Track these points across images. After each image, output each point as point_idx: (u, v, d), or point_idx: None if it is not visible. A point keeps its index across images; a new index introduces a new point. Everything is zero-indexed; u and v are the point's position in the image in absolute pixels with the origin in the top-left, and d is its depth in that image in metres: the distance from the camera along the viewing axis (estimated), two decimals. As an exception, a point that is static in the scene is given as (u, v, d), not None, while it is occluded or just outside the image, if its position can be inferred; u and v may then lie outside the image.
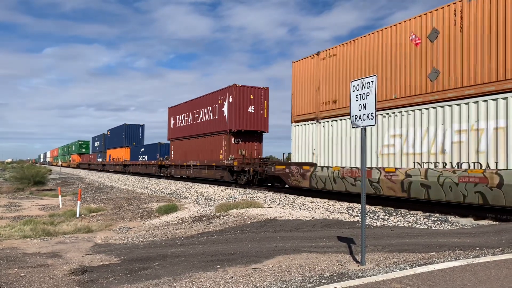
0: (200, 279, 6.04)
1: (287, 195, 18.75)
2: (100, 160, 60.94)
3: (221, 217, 13.47)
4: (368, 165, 15.06)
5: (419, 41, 13.70)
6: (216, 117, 27.25)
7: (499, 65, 11.43)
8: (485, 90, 11.70)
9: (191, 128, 31.26)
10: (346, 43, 16.82)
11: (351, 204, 14.76)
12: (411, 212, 12.71)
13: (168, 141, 36.26)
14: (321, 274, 5.87)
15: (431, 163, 13.01)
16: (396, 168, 13.89)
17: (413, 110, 13.76)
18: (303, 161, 18.80)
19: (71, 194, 25.53)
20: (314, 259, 6.86)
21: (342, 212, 13.35)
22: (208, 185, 26.62)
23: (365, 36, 15.90)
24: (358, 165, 15.56)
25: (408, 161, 13.72)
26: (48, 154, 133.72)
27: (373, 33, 15.53)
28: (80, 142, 78.11)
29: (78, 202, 16.20)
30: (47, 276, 6.97)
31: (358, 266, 6.25)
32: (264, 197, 18.06)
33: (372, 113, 6.13)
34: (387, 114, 14.66)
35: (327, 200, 16.40)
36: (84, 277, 6.86)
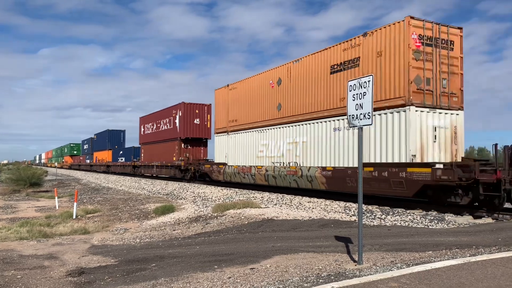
0: (198, 279, 6.03)
1: (284, 195, 18.77)
2: (88, 161, 67.00)
3: (218, 217, 13.46)
4: (251, 164, 22.38)
5: (273, 85, 20.95)
6: (171, 127, 33.55)
7: (311, 102, 17.96)
8: (305, 117, 18.31)
9: (154, 135, 37.78)
10: (241, 81, 24.07)
11: (348, 204, 14.78)
12: (408, 211, 12.74)
13: (140, 146, 42.79)
14: (318, 273, 5.87)
15: (277, 162, 20.11)
16: (262, 166, 21.22)
17: (269, 129, 21.09)
18: (221, 161, 25.90)
19: (67, 195, 25.44)
20: (311, 258, 6.87)
21: (339, 212, 13.36)
22: (205, 186, 26.66)
23: (250, 78, 23.23)
24: (247, 164, 22.82)
25: (268, 162, 20.91)
26: (43, 156, 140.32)
27: (253, 76, 22.84)
28: (71, 145, 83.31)
29: (75, 203, 16.15)
30: (43, 278, 6.94)
31: (356, 265, 6.25)
32: (261, 197, 18.06)
33: (369, 112, 6.14)
34: (259, 131, 22.04)
35: (324, 199, 16.42)
36: (81, 278, 6.83)
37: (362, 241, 6.33)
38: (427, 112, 13.60)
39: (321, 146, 17.15)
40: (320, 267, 6.26)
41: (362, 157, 6.45)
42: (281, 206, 15.39)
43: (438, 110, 13.82)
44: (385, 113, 14.09)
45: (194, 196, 20.65)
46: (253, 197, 18.48)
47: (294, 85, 19.01)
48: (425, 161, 13.32)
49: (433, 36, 13.83)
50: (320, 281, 5.41)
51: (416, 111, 13.32)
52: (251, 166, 22.06)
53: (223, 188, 24.09)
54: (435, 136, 13.75)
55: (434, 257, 6.46)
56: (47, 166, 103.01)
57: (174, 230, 12.17)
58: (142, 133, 41.65)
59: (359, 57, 15.21)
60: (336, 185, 16.00)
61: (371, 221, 11.53)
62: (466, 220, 11.25)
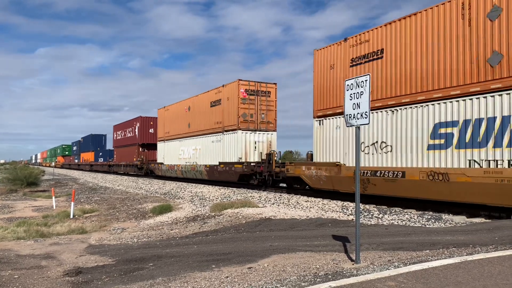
0: (195, 279, 6.03)
1: (282, 194, 18.78)
2: (76, 161, 76.78)
3: (216, 217, 13.46)
4: (175, 163, 32.63)
5: (186, 110, 31.01)
6: (133, 135, 43.36)
7: (202, 123, 29.01)
8: (200, 133, 28.83)
9: (123, 140, 47.14)
10: (171, 105, 34.02)
11: (345, 203, 14.81)
12: (405, 211, 12.77)
13: (113, 148, 52.91)
14: (316, 273, 5.88)
15: (187, 162, 30.07)
16: (180, 164, 31.40)
17: (184, 139, 31.03)
18: (160, 161, 35.97)
19: (64, 195, 25.39)
20: (309, 258, 6.88)
21: (337, 211, 13.39)
22: (202, 185, 26.67)
23: (175, 104, 33.34)
24: (173, 163, 33.02)
25: (183, 162, 30.84)
26: (39, 156, 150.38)
27: (176, 103, 33.10)
28: (63, 146, 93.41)
29: (72, 203, 16.12)
30: (41, 278, 6.93)
31: (353, 264, 6.27)
32: (259, 197, 18.07)
33: (366, 111, 6.14)
34: (179, 140, 31.95)
35: (321, 199, 16.44)
36: (78, 278, 6.83)
37: (360, 240, 6.34)
38: (250, 133, 23.97)
39: (207, 151, 27.51)
40: (318, 266, 6.27)
41: (360, 157, 6.46)
42: (278, 205, 15.40)
43: (257, 132, 24.27)
44: (228, 134, 24.83)
45: (191, 196, 20.64)
46: (250, 196, 18.49)
47: (196, 111, 29.24)
48: (248, 161, 23.50)
49: (255, 89, 24.20)
50: (318, 280, 5.42)
51: (242, 133, 23.76)
52: (174, 164, 32.77)
53: (220, 187, 24.11)
54: (255, 147, 24.11)
55: (431, 256, 6.48)
56: (42, 166, 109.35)
57: (171, 230, 12.17)
58: (115, 138, 51.46)
59: (221, 99, 25.80)
60: (211, 175, 26.65)
61: (368, 220, 11.55)
62: (463, 219, 11.29)
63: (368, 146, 14.90)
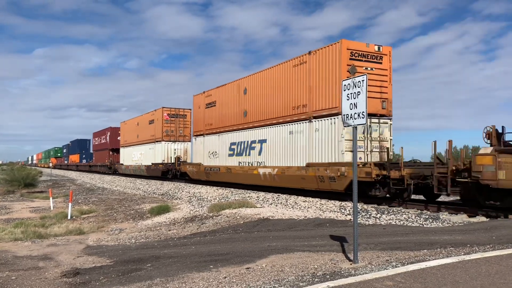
0: (193, 279, 6.03)
1: (279, 194, 18.79)
2: (66, 162, 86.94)
3: (214, 217, 13.46)
4: (132, 164, 41.73)
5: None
6: (105, 141, 54.17)
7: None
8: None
9: (99, 145, 58.63)
10: (131, 119, 44.50)
11: (343, 203, 14.82)
12: (403, 210, 12.79)
13: (92, 152, 64.30)
14: (314, 273, 5.89)
15: (137, 163, 39.68)
16: (132, 165, 41.38)
17: (135, 146, 41.76)
18: (122, 163, 45.81)
19: (62, 196, 25.33)
20: (307, 258, 6.88)
21: (335, 211, 13.40)
22: (200, 186, 26.65)
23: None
24: (129, 164, 42.81)
25: (135, 163, 40.62)
26: (35, 157, 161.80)
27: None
28: (56, 148, 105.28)
29: (70, 204, 16.08)
30: (38, 279, 6.91)
31: (351, 264, 6.27)
32: (257, 197, 18.07)
33: (363, 111, 6.15)
34: (133, 146, 42.17)
35: (319, 199, 16.45)
36: (76, 279, 6.81)
37: (358, 240, 6.35)
38: (170, 143, 34.74)
39: (146, 155, 38.20)
40: (316, 266, 6.28)
41: (357, 156, 6.46)
42: (276, 205, 15.41)
43: (176, 142, 34.93)
44: (157, 143, 35.50)
45: (189, 196, 20.63)
46: (248, 196, 18.48)
47: (141, 126, 40.98)
48: (167, 162, 33.98)
49: (175, 113, 35.14)
50: (316, 280, 5.42)
51: (164, 143, 34.61)
52: (129, 165, 43.29)
53: (218, 188, 24.11)
54: (174, 152, 34.60)
55: (429, 255, 6.49)
56: (38, 166, 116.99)
57: (169, 230, 12.16)
58: (94, 143, 63.00)
59: (154, 119, 36.56)
60: (148, 172, 37.22)
61: (366, 220, 11.56)
62: (460, 218, 11.31)
63: (211, 154, 26.62)
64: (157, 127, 35.45)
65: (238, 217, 12.76)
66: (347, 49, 15.48)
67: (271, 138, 20.09)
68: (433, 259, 6.04)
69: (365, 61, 15.78)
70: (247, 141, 22.29)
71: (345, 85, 6.50)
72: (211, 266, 6.74)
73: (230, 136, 24.12)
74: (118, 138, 49.39)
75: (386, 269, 5.64)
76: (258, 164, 20.95)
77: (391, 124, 16.30)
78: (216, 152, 25.88)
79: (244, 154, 22.53)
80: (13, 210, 18.82)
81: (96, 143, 60.65)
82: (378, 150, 15.97)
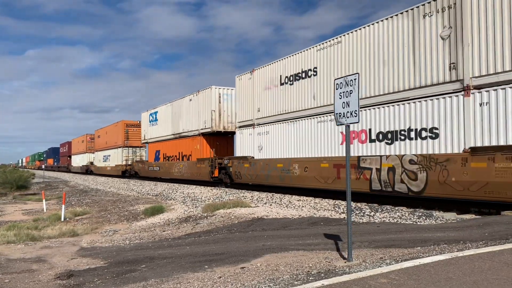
0: (188, 280, 6.02)
1: (273, 194, 18.79)
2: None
3: (208, 217, 13.44)
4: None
5: None
6: (65, 150, 75.48)
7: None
8: None
9: (62, 153, 79.64)
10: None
11: (337, 202, 14.87)
12: (396, 208, 12.86)
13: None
14: (308, 271, 5.90)
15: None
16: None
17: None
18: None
19: (55, 197, 25.16)
20: (301, 256, 6.90)
21: (329, 210, 13.43)
22: (194, 186, 26.60)
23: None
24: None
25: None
26: (24, 160, 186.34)
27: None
28: (39, 153, 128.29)
29: (63, 205, 15.98)
30: (32, 282, 6.87)
31: (345, 262, 6.30)
32: (251, 196, 18.07)
33: (356, 110, 6.18)
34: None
35: (313, 198, 16.49)
36: (70, 281, 6.78)
37: (352, 238, 6.37)
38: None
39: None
40: (310, 265, 6.29)
41: (349, 155, 6.49)
42: (271, 205, 15.42)
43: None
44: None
45: (183, 197, 20.58)
46: (243, 196, 18.47)
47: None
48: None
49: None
50: (311, 278, 5.44)
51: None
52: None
53: (212, 188, 24.14)
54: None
55: (422, 252, 6.53)
56: (26, 168, 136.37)
57: (164, 231, 12.12)
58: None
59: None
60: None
61: (360, 218, 11.61)
62: (453, 215, 11.39)
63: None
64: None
65: (232, 217, 12.76)
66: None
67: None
68: (427, 256, 6.08)
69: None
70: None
71: (337, 83, 6.52)
72: (206, 266, 6.73)
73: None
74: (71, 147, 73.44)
75: (380, 266, 5.67)
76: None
77: (143, 149, 39.16)
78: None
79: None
80: (5, 212, 18.66)
81: (62, 151, 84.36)
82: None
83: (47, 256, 8.97)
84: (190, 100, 29.28)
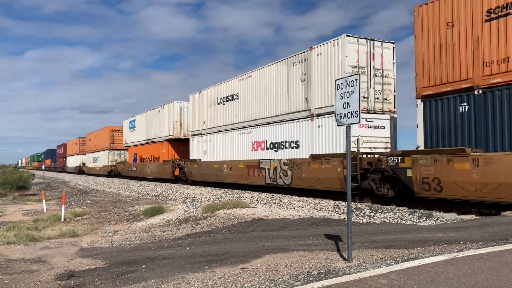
0: (188, 280, 6.02)
1: (273, 194, 18.80)
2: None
3: (208, 218, 13.44)
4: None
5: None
6: (61, 152, 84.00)
7: None
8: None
9: (59, 154, 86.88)
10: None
11: (337, 202, 14.86)
12: (396, 209, 12.85)
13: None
14: (308, 272, 5.90)
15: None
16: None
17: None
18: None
19: (55, 198, 25.16)
20: (301, 257, 6.89)
21: (329, 210, 13.43)
22: (194, 187, 26.60)
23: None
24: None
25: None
26: (23, 161, 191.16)
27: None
28: (38, 154, 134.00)
29: (63, 206, 15.98)
30: (32, 282, 6.86)
31: (345, 263, 6.29)
32: (251, 197, 18.07)
33: (357, 111, 6.18)
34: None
35: (313, 198, 16.49)
36: (70, 282, 6.77)
37: (352, 239, 6.37)
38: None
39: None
40: (310, 266, 6.29)
41: (350, 154, 6.49)
42: (271, 205, 15.42)
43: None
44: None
45: (183, 197, 20.58)
46: (243, 197, 18.47)
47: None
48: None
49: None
50: (311, 279, 5.43)
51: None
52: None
53: (212, 188, 24.13)
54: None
55: (422, 253, 6.53)
56: (25, 169, 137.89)
57: (164, 232, 12.12)
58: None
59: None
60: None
61: (360, 219, 11.60)
62: (453, 216, 11.39)
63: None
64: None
65: (232, 218, 12.76)
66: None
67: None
68: (427, 257, 6.07)
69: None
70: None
71: (338, 84, 6.52)
72: (206, 267, 6.73)
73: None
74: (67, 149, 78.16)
75: (380, 267, 5.67)
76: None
77: (126, 151, 40.54)
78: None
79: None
80: (5, 213, 18.66)
81: (58, 152, 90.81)
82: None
83: (47, 257, 8.97)
84: (159, 111, 34.56)
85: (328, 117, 16.55)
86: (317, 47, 17.35)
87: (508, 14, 11.13)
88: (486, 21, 11.71)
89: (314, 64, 17.38)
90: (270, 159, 19.79)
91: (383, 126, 16.37)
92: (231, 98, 23.99)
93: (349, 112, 6.30)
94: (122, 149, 48.70)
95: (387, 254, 6.70)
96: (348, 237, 6.31)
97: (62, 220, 15.33)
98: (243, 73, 23.37)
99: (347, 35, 15.95)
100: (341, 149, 15.78)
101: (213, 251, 7.96)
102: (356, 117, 6.18)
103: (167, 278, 6.21)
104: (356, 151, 14.86)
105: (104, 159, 50.82)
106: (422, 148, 13.15)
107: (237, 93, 23.32)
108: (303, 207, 14.47)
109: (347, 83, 6.34)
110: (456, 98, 12.38)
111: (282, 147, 19.30)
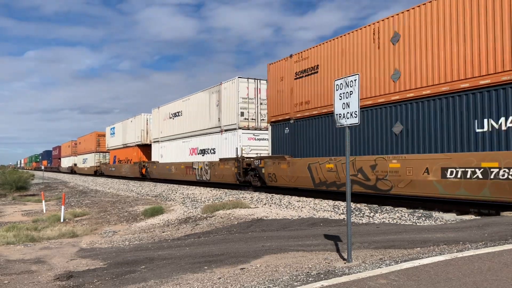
0: (188, 281, 6.02)
1: (273, 195, 18.80)
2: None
3: (208, 218, 13.44)
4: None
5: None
6: (57, 153, 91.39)
7: None
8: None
9: (54, 155, 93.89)
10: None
11: (336, 202, 14.86)
12: (396, 209, 12.86)
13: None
14: (308, 272, 5.90)
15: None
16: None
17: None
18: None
19: (55, 198, 25.15)
20: (301, 257, 6.90)
21: (328, 211, 13.43)
22: (194, 187, 26.61)
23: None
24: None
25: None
26: (22, 161, 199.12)
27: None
28: (36, 155, 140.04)
29: (62, 206, 15.98)
30: (31, 283, 6.86)
31: (345, 263, 6.30)
32: (251, 197, 18.07)
33: (356, 111, 6.17)
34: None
35: (313, 198, 16.49)
36: (69, 282, 6.77)
37: (351, 239, 6.37)
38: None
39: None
40: (310, 266, 6.29)
41: (349, 156, 6.49)
42: (270, 205, 15.42)
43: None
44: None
45: (183, 198, 20.57)
46: (242, 197, 18.47)
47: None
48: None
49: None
50: (310, 279, 5.43)
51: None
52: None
53: (212, 189, 24.15)
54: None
55: (422, 253, 6.53)
56: (24, 169, 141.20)
57: (163, 232, 12.12)
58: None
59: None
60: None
61: (359, 219, 11.61)
62: (453, 216, 11.39)
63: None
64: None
65: (232, 218, 12.76)
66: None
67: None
68: (426, 257, 6.07)
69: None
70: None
71: (337, 84, 6.51)
72: (206, 267, 6.73)
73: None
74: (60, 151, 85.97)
75: (380, 267, 5.67)
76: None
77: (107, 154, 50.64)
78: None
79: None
80: (5, 213, 18.65)
81: (54, 153, 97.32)
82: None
83: (47, 257, 8.96)
84: (131, 121, 42.25)
85: (230, 132, 23.65)
86: (224, 83, 24.53)
87: (302, 77, 17.91)
88: (295, 79, 18.38)
89: (223, 95, 24.67)
90: (198, 161, 27.11)
91: (266, 139, 21.81)
92: (177, 114, 31.64)
93: (348, 113, 6.29)
94: (107, 152, 54.04)
95: (387, 255, 6.70)
96: (347, 238, 6.31)
97: (62, 220, 15.32)
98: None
99: (239, 77, 23.16)
100: (234, 155, 22.86)
101: (213, 252, 7.96)
102: (356, 117, 6.17)
103: (166, 279, 6.21)
104: (241, 156, 22.21)
105: (91, 160, 58.34)
106: (270, 154, 20.14)
107: (181, 111, 30.92)
108: (302, 207, 14.47)
109: (346, 83, 6.33)
110: (284, 124, 19.13)
111: (207, 152, 26.63)
